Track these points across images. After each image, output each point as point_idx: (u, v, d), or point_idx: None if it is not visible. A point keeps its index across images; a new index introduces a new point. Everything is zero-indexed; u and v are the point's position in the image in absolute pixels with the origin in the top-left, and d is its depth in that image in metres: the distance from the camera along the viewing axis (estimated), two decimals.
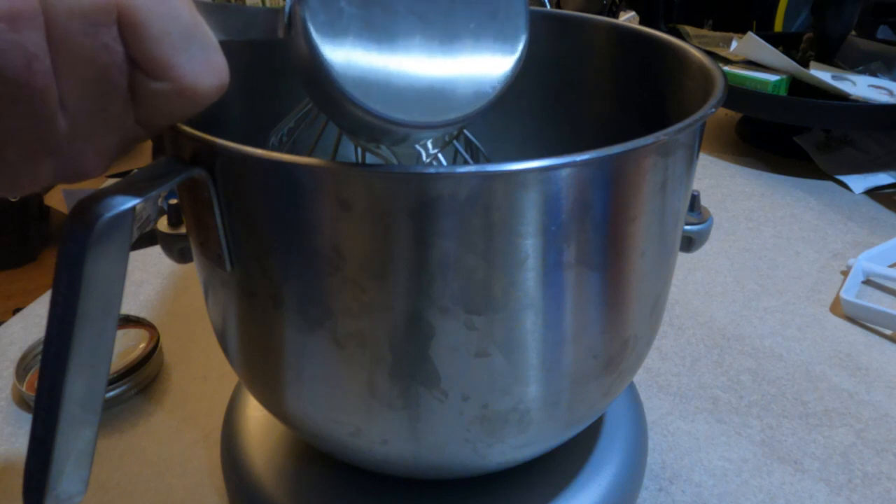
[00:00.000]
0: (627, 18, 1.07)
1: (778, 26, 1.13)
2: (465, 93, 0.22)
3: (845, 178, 0.73)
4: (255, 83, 0.37)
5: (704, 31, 0.99)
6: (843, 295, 0.52)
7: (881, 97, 0.73)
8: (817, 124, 0.77)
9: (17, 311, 0.56)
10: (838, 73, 0.79)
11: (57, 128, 0.18)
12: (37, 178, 0.19)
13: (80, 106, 0.18)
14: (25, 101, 0.17)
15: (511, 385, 0.27)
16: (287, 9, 0.21)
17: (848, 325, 0.52)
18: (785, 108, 0.73)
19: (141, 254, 0.62)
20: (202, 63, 0.18)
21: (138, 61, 0.18)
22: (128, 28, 0.17)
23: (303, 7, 0.20)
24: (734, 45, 0.89)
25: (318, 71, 0.21)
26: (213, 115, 0.34)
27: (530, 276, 0.24)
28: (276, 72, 0.38)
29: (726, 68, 0.81)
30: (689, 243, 0.32)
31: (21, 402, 0.45)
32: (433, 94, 0.22)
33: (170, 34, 0.18)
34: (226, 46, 0.20)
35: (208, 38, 0.19)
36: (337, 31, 0.20)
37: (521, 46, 0.23)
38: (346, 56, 0.21)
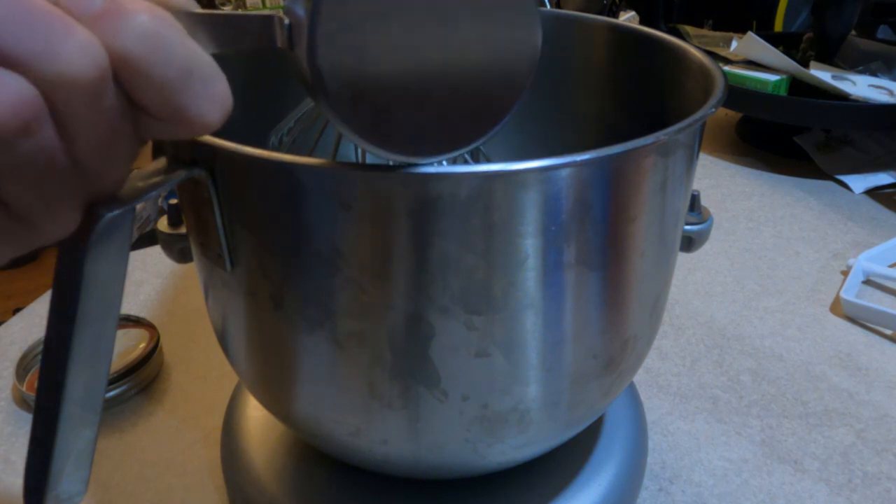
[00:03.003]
0: (627, 18, 1.07)
1: (778, 26, 1.13)
2: (478, 121, 0.22)
3: (845, 178, 0.73)
4: (255, 83, 0.37)
5: (704, 31, 0.99)
6: (843, 295, 0.52)
7: (881, 97, 0.73)
8: (817, 124, 0.77)
9: (17, 310, 0.56)
10: (838, 72, 0.79)
11: (73, 186, 0.18)
12: (65, 229, 0.19)
13: (91, 161, 0.18)
14: (47, 182, 0.17)
15: (511, 385, 0.27)
16: (287, 24, 0.20)
17: (848, 325, 0.52)
18: (785, 107, 0.73)
19: (141, 254, 0.62)
20: (205, 98, 0.18)
21: (141, 108, 0.18)
22: (127, 81, 0.17)
23: (311, 37, 0.19)
24: (734, 44, 0.89)
25: (325, 107, 0.20)
26: None
27: (530, 276, 0.24)
28: (276, 72, 0.38)
29: (726, 68, 0.81)
30: (689, 243, 0.32)
31: (21, 402, 0.45)
32: (446, 125, 0.21)
33: (170, 80, 0.17)
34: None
35: (207, 69, 0.18)
36: (348, 65, 0.19)
37: (531, 70, 0.22)
38: (355, 93, 0.20)
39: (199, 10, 0.19)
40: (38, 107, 0.16)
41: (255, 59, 0.37)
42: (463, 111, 0.22)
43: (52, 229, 0.18)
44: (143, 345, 0.48)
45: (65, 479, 0.23)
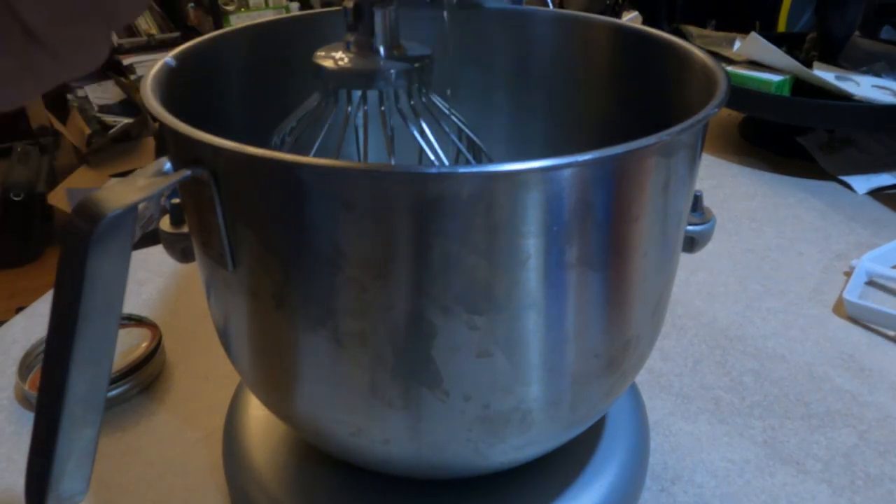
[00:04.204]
0: (630, 18, 1.07)
1: (781, 26, 1.13)
2: None
3: (848, 179, 0.73)
4: (258, 83, 0.37)
5: (707, 32, 0.99)
6: (845, 296, 0.52)
7: (885, 98, 0.73)
8: (820, 125, 0.77)
9: (19, 309, 0.56)
10: (842, 73, 0.79)
11: (99, 9, 0.17)
12: (93, 61, 0.18)
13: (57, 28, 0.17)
14: (73, 4, 0.16)
15: (513, 385, 0.27)
16: None
17: (851, 326, 0.52)
18: (788, 108, 0.73)
19: (143, 253, 0.62)
20: None
21: None
22: None
23: None
24: (737, 45, 0.89)
25: None
26: (216, 115, 0.34)
27: (532, 276, 0.24)
28: (279, 72, 0.38)
29: (729, 68, 0.81)
30: (691, 244, 0.32)
31: (24, 400, 0.45)
32: None
33: None
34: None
35: None
36: None
37: None
38: None
39: None
40: None
41: (258, 60, 0.37)
42: None
43: (81, 61, 0.18)
44: (144, 344, 0.48)
45: (66, 478, 0.23)
